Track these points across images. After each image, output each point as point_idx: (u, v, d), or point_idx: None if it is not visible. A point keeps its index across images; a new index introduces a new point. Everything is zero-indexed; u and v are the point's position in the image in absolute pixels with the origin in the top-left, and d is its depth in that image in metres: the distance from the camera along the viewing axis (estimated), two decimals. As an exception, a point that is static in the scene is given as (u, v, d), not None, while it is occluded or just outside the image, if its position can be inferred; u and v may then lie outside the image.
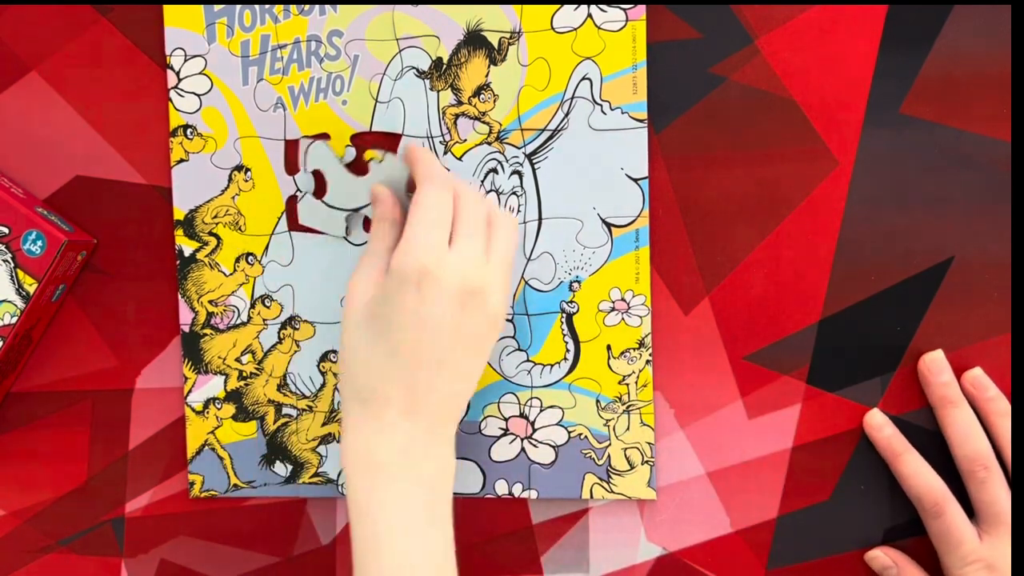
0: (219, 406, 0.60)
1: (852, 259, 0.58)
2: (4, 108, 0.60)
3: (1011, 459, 0.55)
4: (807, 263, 0.58)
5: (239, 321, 0.60)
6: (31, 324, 0.58)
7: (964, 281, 0.57)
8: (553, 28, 0.57)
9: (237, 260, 0.59)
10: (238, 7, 0.58)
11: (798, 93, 0.57)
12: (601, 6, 0.57)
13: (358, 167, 0.58)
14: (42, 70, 0.60)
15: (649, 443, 0.58)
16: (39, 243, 0.57)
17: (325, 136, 0.58)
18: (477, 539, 0.60)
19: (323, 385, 0.60)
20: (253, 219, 0.59)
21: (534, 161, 0.58)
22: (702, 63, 0.57)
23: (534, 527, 0.60)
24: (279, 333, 0.60)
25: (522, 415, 0.59)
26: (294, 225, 0.59)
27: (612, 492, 0.59)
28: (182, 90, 0.59)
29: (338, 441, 0.60)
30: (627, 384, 0.58)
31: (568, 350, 0.58)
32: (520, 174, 0.58)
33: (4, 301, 0.57)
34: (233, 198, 0.59)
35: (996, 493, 0.55)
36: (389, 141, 0.58)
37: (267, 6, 0.58)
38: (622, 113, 0.57)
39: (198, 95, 0.59)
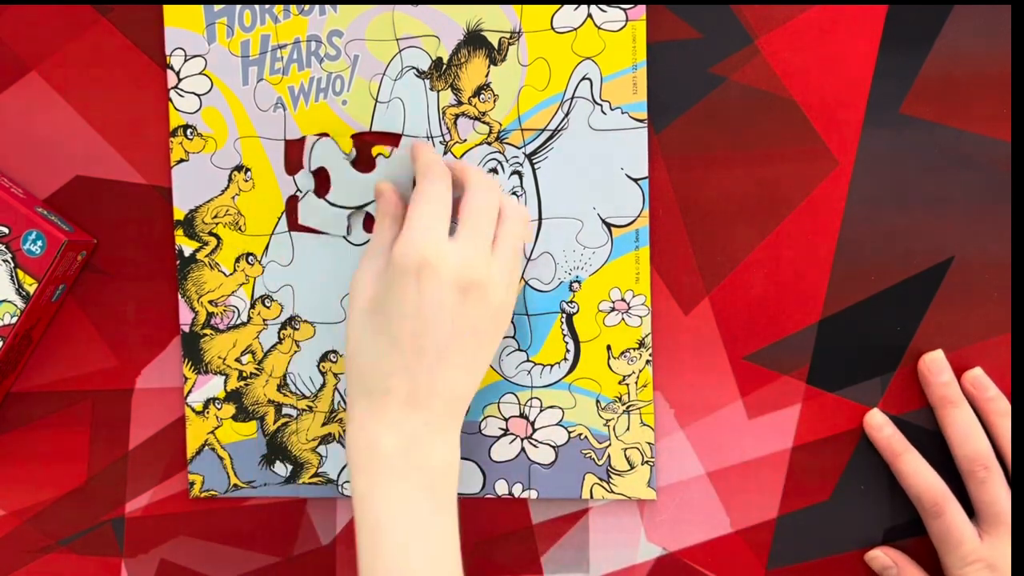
0: (219, 406, 0.60)
1: (852, 259, 0.57)
2: (4, 108, 0.60)
3: (1011, 459, 0.55)
4: (807, 263, 0.58)
5: (239, 321, 0.60)
6: (31, 324, 0.58)
7: (964, 281, 0.57)
8: (553, 28, 0.57)
9: (237, 260, 0.59)
10: (238, 7, 0.58)
11: (798, 93, 0.57)
12: (601, 6, 0.57)
13: (363, 164, 0.58)
14: (42, 70, 0.60)
15: (649, 443, 0.58)
16: (39, 243, 0.57)
17: (327, 136, 0.59)
18: (477, 539, 0.60)
19: (323, 385, 0.60)
20: (253, 219, 0.59)
21: (534, 161, 0.58)
22: (702, 63, 0.57)
23: (534, 527, 0.60)
24: (279, 333, 0.60)
25: (522, 415, 0.59)
26: (294, 225, 0.59)
27: (612, 492, 0.59)
28: (182, 90, 0.59)
29: (338, 441, 0.60)
30: (627, 384, 0.58)
31: (568, 350, 0.58)
32: (520, 174, 0.58)
33: (4, 301, 0.57)
34: (233, 198, 0.59)
35: (996, 493, 0.55)
36: (389, 141, 0.58)
37: (267, 6, 0.58)
38: (622, 113, 0.57)
39: (198, 95, 0.59)
